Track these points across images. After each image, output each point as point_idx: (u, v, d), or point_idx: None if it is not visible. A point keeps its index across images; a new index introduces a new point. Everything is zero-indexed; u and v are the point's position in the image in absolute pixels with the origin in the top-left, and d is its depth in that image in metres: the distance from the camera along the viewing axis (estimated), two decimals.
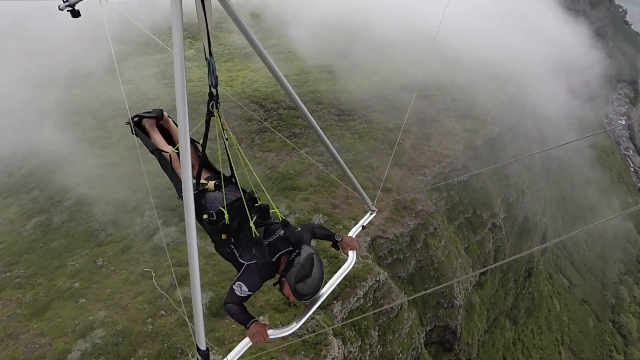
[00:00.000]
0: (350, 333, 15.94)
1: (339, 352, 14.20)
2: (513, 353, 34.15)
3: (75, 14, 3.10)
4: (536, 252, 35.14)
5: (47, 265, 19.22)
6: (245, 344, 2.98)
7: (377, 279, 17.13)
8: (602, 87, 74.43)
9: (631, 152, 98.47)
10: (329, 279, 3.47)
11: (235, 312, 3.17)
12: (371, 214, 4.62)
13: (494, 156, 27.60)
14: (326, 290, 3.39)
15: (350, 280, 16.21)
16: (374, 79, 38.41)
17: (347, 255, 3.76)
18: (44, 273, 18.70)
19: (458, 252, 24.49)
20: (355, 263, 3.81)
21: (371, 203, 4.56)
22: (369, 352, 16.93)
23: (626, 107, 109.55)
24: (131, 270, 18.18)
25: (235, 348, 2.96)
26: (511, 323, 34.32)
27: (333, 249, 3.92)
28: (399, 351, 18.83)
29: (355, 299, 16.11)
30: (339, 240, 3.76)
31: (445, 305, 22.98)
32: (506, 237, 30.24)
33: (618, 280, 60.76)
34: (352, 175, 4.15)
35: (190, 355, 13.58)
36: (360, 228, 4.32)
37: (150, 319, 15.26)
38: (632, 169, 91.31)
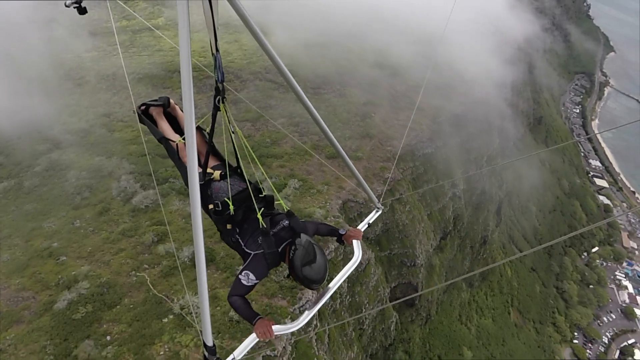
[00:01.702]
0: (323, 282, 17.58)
1: (312, 296, 15.77)
2: (468, 312, 37.88)
3: (82, 10, 3.21)
4: (490, 223, 38.53)
5: (22, 227, 19.20)
6: (251, 340, 3.03)
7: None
8: (538, 60, 77.90)
9: (583, 138, 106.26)
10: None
11: (240, 307, 3.16)
12: (377, 211, 4.55)
13: (457, 131, 29.82)
14: (333, 285, 3.46)
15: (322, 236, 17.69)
16: (349, 56, 39.32)
17: (352, 245, 3.80)
18: (19, 235, 18.72)
19: (421, 217, 26.75)
20: (360, 259, 3.82)
21: (377, 201, 4.50)
22: (339, 301, 18.73)
23: (581, 97, 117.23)
24: (111, 231, 18.65)
25: (243, 344, 3.02)
26: (467, 285, 37.86)
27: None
28: (366, 302, 20.85)
29: (327, 252, 17.66)
30: (344, 233, 3.75)
31: (408, 264, 25.30)
32: (465, 207, 33.04)
33: (563, 252, 67.29)
34: (358, 173, 4.08)
35: (175, 300, 14.62)
36: (367, 225, 4.29)
37: (133, 272, 16.05)
38: (582, 154, 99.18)
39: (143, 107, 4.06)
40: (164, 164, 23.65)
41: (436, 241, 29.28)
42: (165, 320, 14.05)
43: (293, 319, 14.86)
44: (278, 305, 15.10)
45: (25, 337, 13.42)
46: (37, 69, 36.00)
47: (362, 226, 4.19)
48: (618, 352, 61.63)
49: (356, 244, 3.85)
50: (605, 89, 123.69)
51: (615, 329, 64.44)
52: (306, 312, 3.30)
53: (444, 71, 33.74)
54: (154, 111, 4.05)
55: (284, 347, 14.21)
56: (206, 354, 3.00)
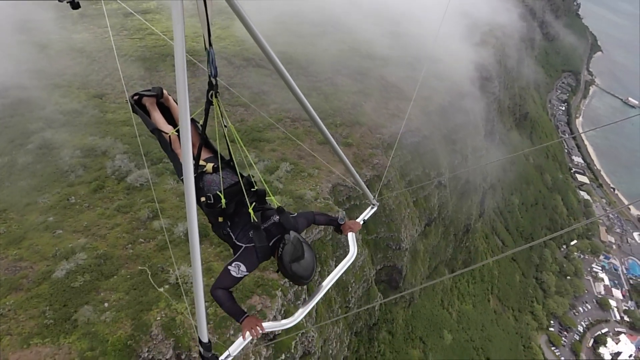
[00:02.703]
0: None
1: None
2: (450, 297, 39.48)
3: (75, 5, 3.26)
4: (474, 212, 39.97)
5: (16, 202, 19.50)
6: (246, 337, 3.04)
7: (336, 215, 19.68)
8: (526, 57, 78.80)
9: (567, 135, 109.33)
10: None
11: (225, 302, 3.12)
12: (372, 208, 4.56)
13: (444, 122, 30.88)
14: (327, 284, 3.49)
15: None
16: (342, 46, 39.87)
17: (347, 236, 3.85)
18: (14, 210, 19.02)
19: (407, 203, 27.83)
20: (355, 257, 3.83)
21: (372, 197, 4.51)
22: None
23: (567, 95, 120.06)
24: (106, 207, 19.13)
25: (238, 340, 3.05)
26: (450, 272, 39.34)
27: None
28: (352, 281, 21.87)
29: (317, 230, 18.54)
30: (342, 223, 3.82)
31: (394, 247, 26.42)
32: (450, 195, 34.31)
33: (543, 244, 69.67)
34: (353, 169, 4.06)
35: (170, 272, 15.31)
36: (362, 221, 4.28)
37: (130, 245, 16.66)
38: (566, 150, 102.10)
39: (136, 97, 4.03)
40: (157, 145, 24.08)
41: (421, 227, 30.50)
42: (162, 289, 14.76)
43: (284, 298, 15.58)
44: (270, 278, 15.94)
45: (25, 303, 13.96)
46: (26, 50, 35.58)
47: (359, 221, 4.19)
48: (592, 340, 64.71)
49: (352, 240, 3.85)
50: (590, 87, 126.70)
51: (590, 318, 67.40)
52: (300, 309, 3.29)
53: (430, 64, 34.66)
54: (147, 101, 4.02)
55: (274, 316, 15.09)
56: (202, 350, 3.00)
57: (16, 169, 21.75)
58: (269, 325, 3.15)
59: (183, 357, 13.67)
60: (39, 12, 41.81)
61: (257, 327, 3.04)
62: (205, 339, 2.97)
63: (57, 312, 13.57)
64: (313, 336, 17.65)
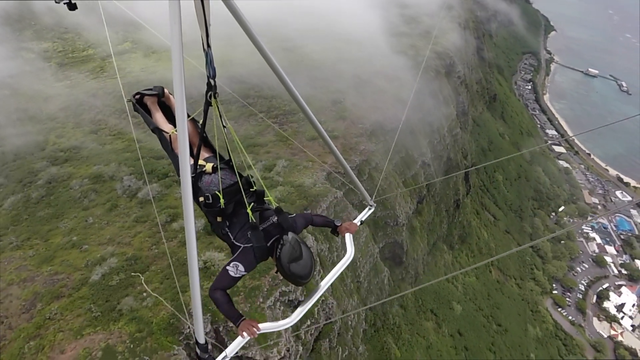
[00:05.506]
0: (320, 236, 20.35)
1: (313, 244, 18.52)
2: (452, 271, 41.38)
3: (72, 6, 3.27)
4: (461, 188, 42.56)
5: (38, 230, 20.86)
6: (242, 339, 3.09)
7: (335, 196, 21.72)
8: (473, 37, 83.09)
9: (537, 111, 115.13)
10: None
11: (223, 304, 3.17)
12: (369, 208, 4.56)
13: (419, 105, 33.66)
14: (325, 284, 3.52)
15: (314, 197, 20.53)
16: (314, 56, 42.78)
17: (344, 236, 3.88)
18: (38, 236, 20.37)
19: (397, 184, 30.05)
20: (353, 256, 3.83)
21: (370, 198, 4.52)
22: (335, 254, 21.50)
23: (531, 74, 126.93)
24: (124, 221, 20.67)
25: (234, 342, 3.08)
26: (448, 248, 41.46)
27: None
28: (359, 256, 23.68)
29: (320, 211, 20.45)
30: (339, 225, 3.85)
31: (392, 224, 28.41)
32: (435, 173, 36.76)
33: (533, 214, 72.77)
34: (350, 170, 4.10)
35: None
36: (360, 222, 4.26)
37: (154, 246, 18.24)
38: (539, 125, 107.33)
39: (138, 96, 4.09)
40: (160, 164, 25.86)
41: (414, 205, 32.65)
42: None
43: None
44: None
45: (69, 305, 15.36)
46: (13, 101, 37.16)
47: (356, 222, 4.20)
48: (595, 296, 67.37)
49: (349, 240, 3.90)
50: (551, 65, 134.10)
51: (589, 276, 70.20)
52: (298, 309, 3.30)
53: (395, 58, 37.74)
54: (148, 100, 4.08)
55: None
56: (199, 352, 3.05)
57: (31, 203, 23.12)
58: (265, 326, 3.18)
59: (221, 329, 15.24)
60: (17, 66, 43.70)
61: (254, 328, 3.11)
62: (202, 340, 3.04)
63: (101, 306, 15.02)
64: (332, 303, 19.34)
